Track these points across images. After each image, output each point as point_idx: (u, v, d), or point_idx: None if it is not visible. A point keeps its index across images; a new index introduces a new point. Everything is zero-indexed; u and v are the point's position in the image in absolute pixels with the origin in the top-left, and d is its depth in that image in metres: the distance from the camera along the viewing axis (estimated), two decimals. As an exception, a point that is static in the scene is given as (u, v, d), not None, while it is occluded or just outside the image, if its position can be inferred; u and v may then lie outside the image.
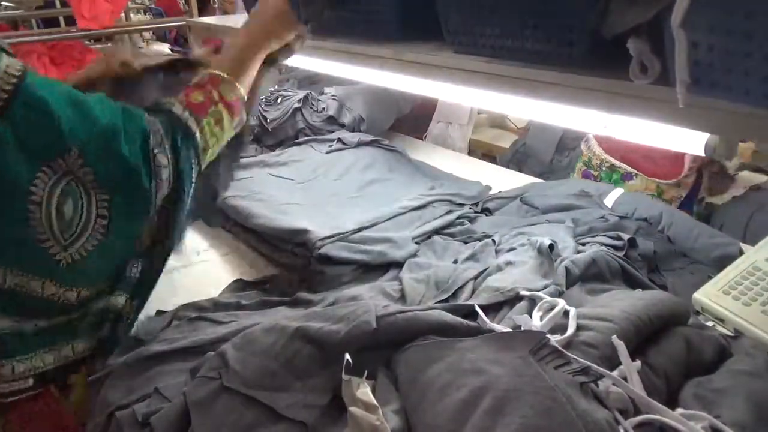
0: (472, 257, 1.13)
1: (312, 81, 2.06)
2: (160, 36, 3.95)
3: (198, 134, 0.82)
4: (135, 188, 0.76)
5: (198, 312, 1.01)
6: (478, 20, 0.83)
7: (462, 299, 0.97)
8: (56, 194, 0.70)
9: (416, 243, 1.22)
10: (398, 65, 1.03)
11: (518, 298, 0.89)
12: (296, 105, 1.83)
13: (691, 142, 0.73)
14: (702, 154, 0.73)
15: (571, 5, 0.69)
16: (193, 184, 0.85)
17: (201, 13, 2.66)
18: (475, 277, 1.02)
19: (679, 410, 0.65)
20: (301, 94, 1.88)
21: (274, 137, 1.83)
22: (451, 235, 1.27)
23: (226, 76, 0.88)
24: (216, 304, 1.05)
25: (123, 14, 3.03)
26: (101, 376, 0.86)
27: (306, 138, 1.78)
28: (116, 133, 0.74)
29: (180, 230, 0.88)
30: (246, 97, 0.92)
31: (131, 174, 0.75)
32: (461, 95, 1.01)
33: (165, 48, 3.59)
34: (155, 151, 0.76)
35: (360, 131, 1.82)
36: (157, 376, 0.86)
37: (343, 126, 1.82)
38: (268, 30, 0.95)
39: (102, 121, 0.73)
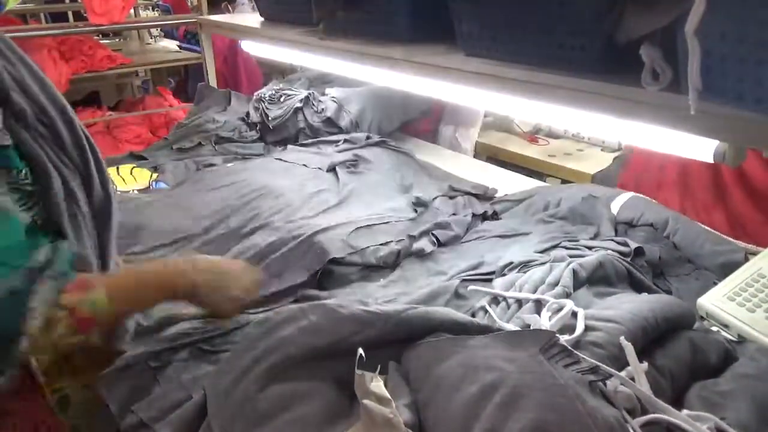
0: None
1: (324, 80, 2.07)
2: (168, 33, 3.96)
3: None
4: None
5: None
6: (491, 24, 0.84)
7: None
8: None
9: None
10: (409, 66, 1.03)
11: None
12: (298, 104, 1.84)
13: (700, 149, 0.73)
14: (711, 160, 0.73)
15: (585, 11, 0.70)
16: None
17: (211, 11, 2.66)
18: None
19: (685, 411, 0.66)
20: (303, 93, 1.88)
21: (275, 135, 1.84)
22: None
23: (101, 295, 0.70)
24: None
25: (132, 10, 3.04)
26: (110, 371, 0.88)
27: (313, 140, 1.78)
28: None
29: None
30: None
31: None
32: (471, 98, 1.02)
33: (172, 45, 3.60)
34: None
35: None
36: (164, 370, 0.87)
37: (340, 129, 1.82)
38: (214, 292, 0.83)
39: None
